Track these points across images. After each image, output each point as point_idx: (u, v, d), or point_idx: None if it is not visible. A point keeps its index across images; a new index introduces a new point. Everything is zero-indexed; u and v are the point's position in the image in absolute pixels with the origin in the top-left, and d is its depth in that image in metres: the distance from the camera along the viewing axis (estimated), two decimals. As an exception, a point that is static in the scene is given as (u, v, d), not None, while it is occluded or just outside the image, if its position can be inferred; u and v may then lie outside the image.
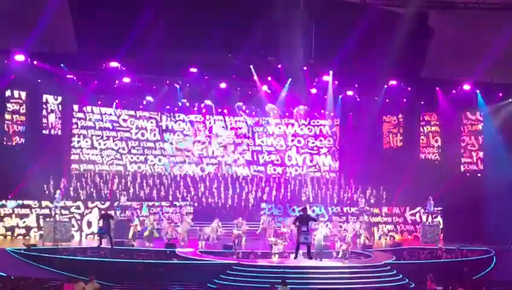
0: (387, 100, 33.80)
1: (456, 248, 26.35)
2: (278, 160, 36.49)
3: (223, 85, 32.88)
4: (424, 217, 31.23)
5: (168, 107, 34.98)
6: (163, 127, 35.16)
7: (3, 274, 20.46)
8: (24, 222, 28.44)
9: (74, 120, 32.93)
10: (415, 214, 31.92)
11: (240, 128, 36.15)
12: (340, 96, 34.34)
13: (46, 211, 28.51)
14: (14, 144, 29.85)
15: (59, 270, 21.88)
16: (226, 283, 21.86)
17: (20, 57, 27.47)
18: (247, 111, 36.02)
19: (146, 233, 27.69)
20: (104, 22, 27.68)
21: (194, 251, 25.40)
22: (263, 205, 32.61)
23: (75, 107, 32.91)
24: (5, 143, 29.50)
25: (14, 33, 26.89)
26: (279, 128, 36.59)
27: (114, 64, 29.66)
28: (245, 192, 33.30)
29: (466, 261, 24.72)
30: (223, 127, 35.78)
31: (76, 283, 17.04)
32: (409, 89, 32.68)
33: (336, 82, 32.80)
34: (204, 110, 35.49)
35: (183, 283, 21.36)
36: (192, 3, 29.05)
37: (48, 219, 27.86)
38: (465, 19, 28.99)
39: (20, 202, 28.31)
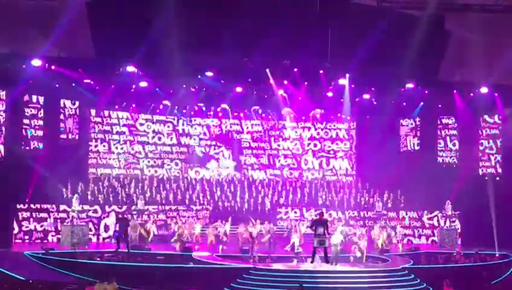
0: (404, 103, 33.62)
1: (474, 252, 26.12)
2: (294, 164, 36.46)
3: (239, 89, 32.90)
4: (442, 221, 30.99)
5: (184, 111, 35.10)
6: (180, 131, 35.30)
7: (22, 278, 20.60)
8: (42, 225, 28.63)
9: (91, 124, 33.15)
10: (432, 218, 31.68)
11: (256, 132, 36.19)
12: (356, 100, 34.21)
13: (64, 215, 28.67)
14: (32, 148, 30.09)
15: (77, 274, 21.99)
16: (242, 287, 21.84)
17: (37, 62, 27.66)
18: (263, 115, 36.03)
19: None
20: (121, 27, 27.83)
21: (210, 255, 25.42)
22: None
23: (93, 111, 33.13)
24: (23, 148, 29.76)
25: (31, 38, 27.15)
26: (296, 132, 36.55)
27: (131, 68, 29.80)
28: (261, 196, 33.25)
29: (484, 266, 24.51)
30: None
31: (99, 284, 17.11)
32: (426, 92, 32.47)
33: (353, 85, 32.67)
34: (220, 114, 35.58)
35: (200, 287, 21.38)
36: (207, 8, 29.11)
37: (65, 223, 28.02)
38: (482, 21, 28.77)
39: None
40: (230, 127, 36.00)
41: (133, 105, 34.01)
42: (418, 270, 23.47)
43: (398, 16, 30.08)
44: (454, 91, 32.04)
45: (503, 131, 31.90)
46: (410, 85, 31.74)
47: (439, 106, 33.52)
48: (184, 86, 32.48)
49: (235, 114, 35.73)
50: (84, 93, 31.35)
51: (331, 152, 36.60)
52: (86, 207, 29.28)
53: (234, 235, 27.86)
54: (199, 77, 31.27)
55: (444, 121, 34.09)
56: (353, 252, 25.66)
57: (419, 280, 22.63)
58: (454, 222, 30.61)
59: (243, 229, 27.01)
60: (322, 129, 36.60)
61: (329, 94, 33.37)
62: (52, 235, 28.45)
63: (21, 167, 28.33)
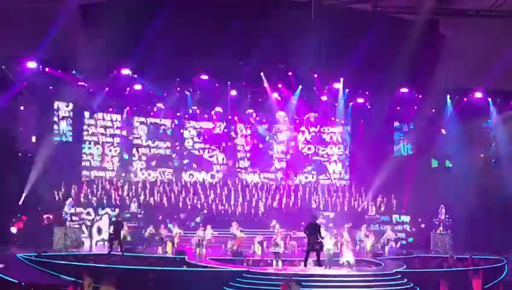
0: (398, 108, 33.69)
1: (468, 257, 26.17)
2: (288, 167, 36.40)
3: (233, 92, 32.91)
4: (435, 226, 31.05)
5: (178, 114, 35.08)
6: (174, 134, 35.25)
7: (14, 281, 20.52)
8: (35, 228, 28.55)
9: (85, 127, 33.06)
10: (426, 222, 31.72)
11: (250, 135, 36.17)
12: (351, 104, 34.26)
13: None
14: (25, 150, 29.98)
15: (69, 277, 21.89)
16: (236, 290, 21.87)
17: (31, 64, 27.62)
18: (257, 118, 36.02)
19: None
20: (116, 29, 27.81)
21: (203, 258, 25.41)
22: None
23: (86, 114, 33.04)
24: (16, 150, 29.66)
25: (26, 40, 27.08)
26: (290, 135, 36.51)
27: (125, 71, 29.77)
28: (255, 199, 33.21)
29: (478, 270, 24.52)
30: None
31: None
32: (420, 96, 32.56)
33: (347, 89, 32.73)
34: (214, 117, 35.56)
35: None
36: (202, 11, 29.15)
37: (58, 226, 27.92)
38: (477, 26, 28.90)
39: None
40: (225, 130, 35.95)
41: (127, 108, 33.95)
42: (412, 274, 23.49)
43: (392, 20, 30.19)
44: (449, 96, 32.14)
45: (496, 136, 31.99)
46: (404, 90, 31.82)
47: (433, 110, 33.58)
48: (178, 89, 32.46)
49: (229, 117, 35.69)
50: (78, 96, 31.26)
51: (325, 156, 36.62)
52: (79, 210, 29.23)
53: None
54: (193, 80, 31.30)
55: (438, 125, 34.12)
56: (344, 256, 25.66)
57: (412, 284, 22.65)
58: (447, 226, 30.66)
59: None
60: (316, 133, 36.62)
61: (324, 98, 33.42)
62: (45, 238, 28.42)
63: (14, 169, 28.25)
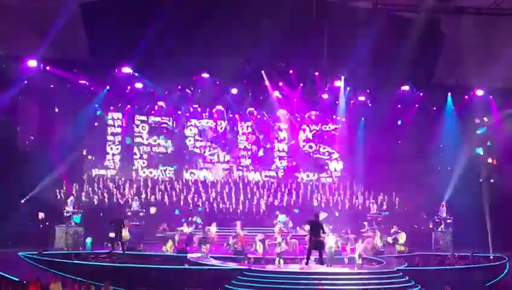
0: (399, 106, 33.66)
1: (470, 255, 26.17)
2: (289, 165, 36.39)
3: (234, 90, 32.91)
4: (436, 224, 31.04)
5: (179, 112, 35.07)
6: (175, 133, 35.26)
7: (16, 279, 20.56)
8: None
9: (86, 125, 32.99)
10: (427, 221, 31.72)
11: (251, 133, 36.14)
12: (352, 102, 34.23)
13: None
14: (26, 149, 30.01)
15: (71, 275, 21.94)
16: (237, 288, 21.86)
17: (33, 63, 27.64)
18: (258, 116, 35.99)
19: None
20: (116, 28, 27.86)
21: (205, 256, 25.44)
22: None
23: (88, 112, 32.97)
24: (18, 148, 29.69)
25: (27, 39, 27.13)
26: (291, 133, 36.47)
27: (126, 70, 29.77)
28: (256, 197, 33.19)
29: (479, 268, 24.57)
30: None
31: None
32: (421, 94, 32.54)
33: (348, 87, 32.71)
34: (215, 116, 35.56)
35: (194, 288, 21.42)
36: (203, 10, 29.19)
37: (60, 224, 27.94)
38: (477, 23, 28.87)
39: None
40: (226, 128, 35.94)
41: (128, 106, 33.97)
42: (413, 272, 23.50)
43: (393, 18, 30.16)
44: (449, 93, 32.13)
45: (497, 134, 31.97)
46: (405, 87, 31.81)
47: (434, 108, 33.57)
48: (179, 87, 32.47)
49: (230, 115, 35.67)
50: (79, 94, 31.27)
51: (326, 154, 36.58)
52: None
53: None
54: (194, 78, 31.32)
55: (439, 123, 34.08)
56: (352, 253, 25.66)
57: (413, 282, 22.67)
58: (448, 224, 30.64)
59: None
60: (317, 131, 36.57)
61: (325, 96, 33.41)
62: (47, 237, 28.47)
63: (15, 168, 28.28)
